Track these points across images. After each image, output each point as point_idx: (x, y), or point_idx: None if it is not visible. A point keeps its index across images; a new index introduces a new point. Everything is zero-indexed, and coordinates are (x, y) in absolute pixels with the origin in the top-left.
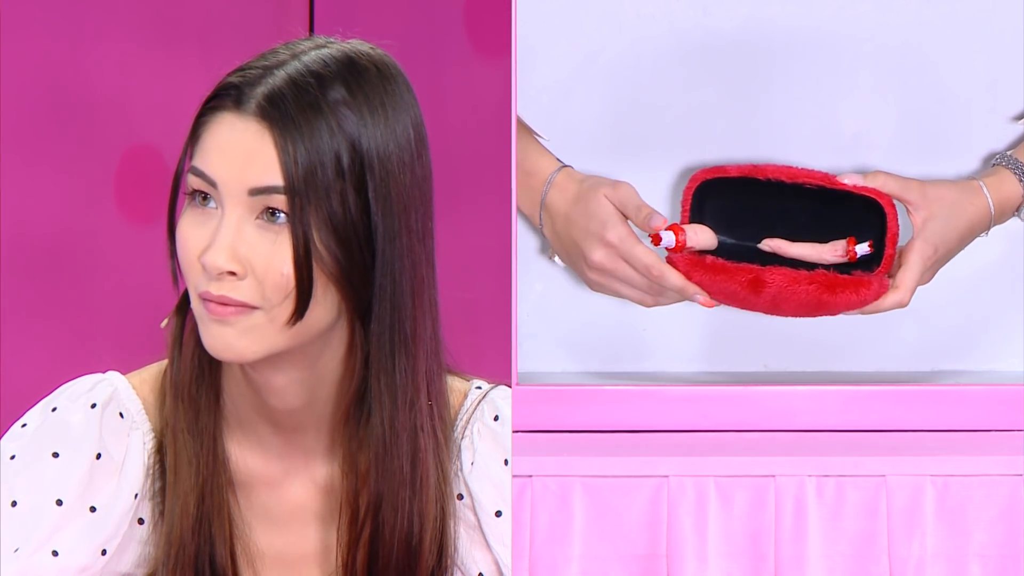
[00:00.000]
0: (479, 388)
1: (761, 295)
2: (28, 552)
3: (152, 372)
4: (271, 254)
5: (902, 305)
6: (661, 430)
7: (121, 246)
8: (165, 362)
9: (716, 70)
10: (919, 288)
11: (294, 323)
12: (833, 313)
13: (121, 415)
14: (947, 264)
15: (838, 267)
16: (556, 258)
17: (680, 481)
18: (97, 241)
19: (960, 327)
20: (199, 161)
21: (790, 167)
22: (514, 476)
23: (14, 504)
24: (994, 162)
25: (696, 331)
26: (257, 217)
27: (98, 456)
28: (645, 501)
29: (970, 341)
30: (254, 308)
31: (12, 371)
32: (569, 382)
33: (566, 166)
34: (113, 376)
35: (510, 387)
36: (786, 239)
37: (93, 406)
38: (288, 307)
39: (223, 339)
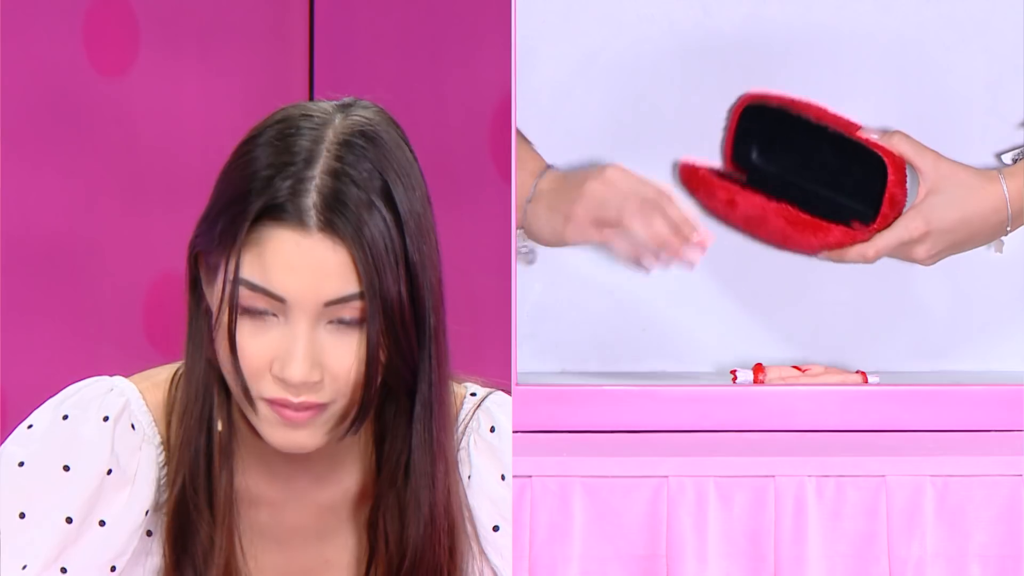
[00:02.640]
0: (474, 395)
1: (734, 213)
2: (36, 570)
3: (161, 379)
4: (345, 355)
5: (865, 259)
6: (661, 430)
7: (121, 246)
8: (171, 367)
9: (716, 70)
10: (927, 283)
11: (362, 420)
12: (803, 251)
13: (133, 427)
14: (949, 258)
15: (827, 212)
16: (529, 243)
17: (680, 481)
18: (97, 241)
19: (960, 327)
20: (259, 277)
21: (821, 108)
22: (514, 476)
23: (22, 516)
24: (1016, 157)
25: (696, 331)
26: (328, 323)
27: (109, 472)
28: (645, 501)
29: (970, 341)
30: (328, 405)
31: (12, 371)
32: (569, 382)
33: (542, 175)
34: (122, 383)
35: (505, 392)
36: (805, 174)
37: (106, 419)
38: (354, 399)
39: (295, 440)
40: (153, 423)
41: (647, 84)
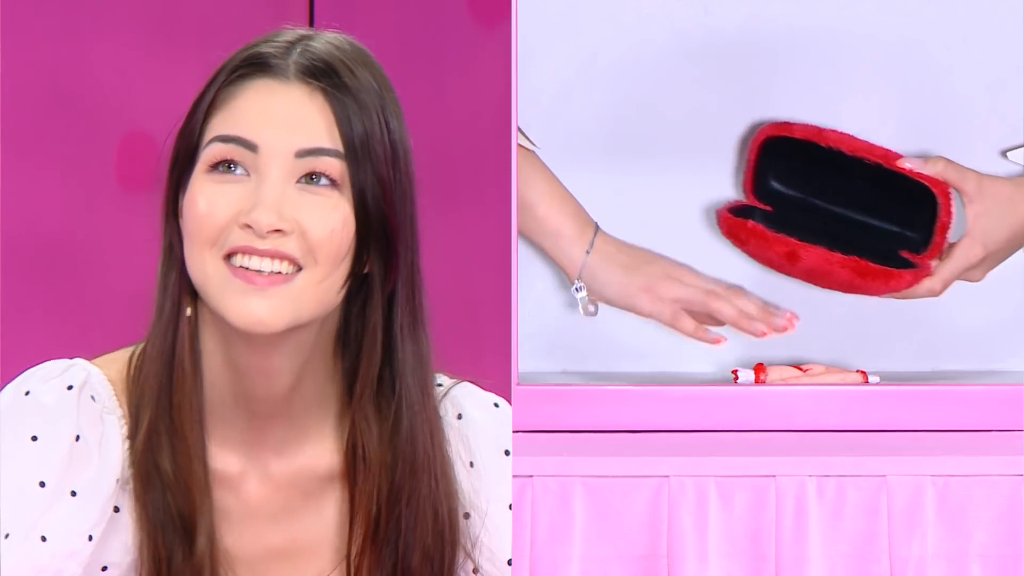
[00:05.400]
0: (440, 385)
1: (796, 267)
2: (20, 538)
3: (119, 356)
4: (318, 216)
5: (933, 294)
6: (661, 430)
7: (121, 246)
8: (129, 348)
9: (717, 70)
10: (972, 285)
11: (348, 286)
12: (867, 295)
13: (93, 398)
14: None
15: (880, 248)
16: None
17: (680, 481)
18: (97, 241)
19: (960, 327)
20: (231, 128)
21: (853, 138)
22: (514, 476)
23: None
24: None
25: None
26: (297, 181)
27: (77, 438)
28: (645, 501)
29: (970, 341)
30: (297, 271)
31: (12, 371)
32: (569, 382)
33: (598, 234)
34: (81, 361)
35: (474, 384)
36: (845, 207)
37: (69, 388)
38: (325, 269)
39: (255, 311)
40: (113, 396)
41: (648, 84)
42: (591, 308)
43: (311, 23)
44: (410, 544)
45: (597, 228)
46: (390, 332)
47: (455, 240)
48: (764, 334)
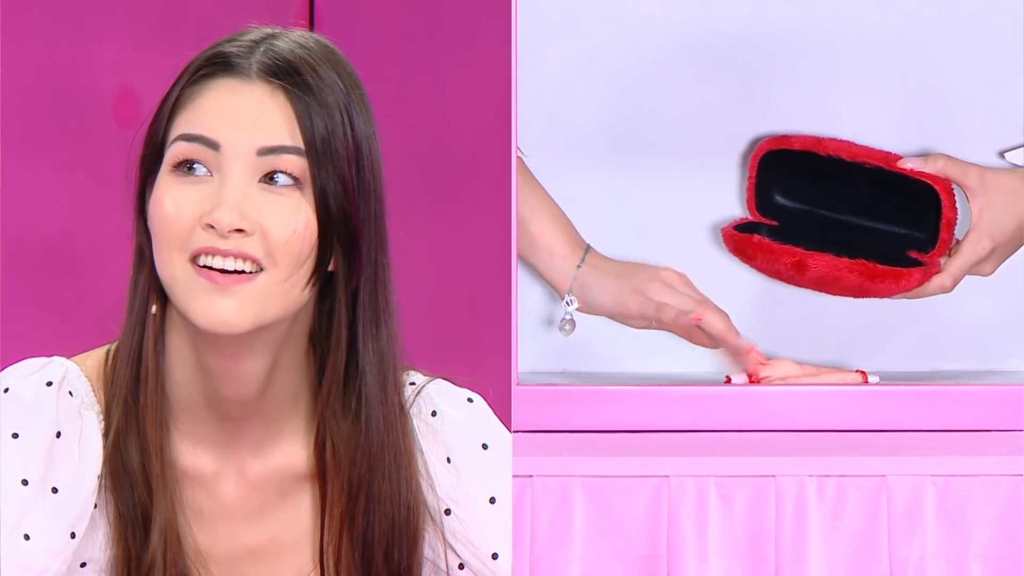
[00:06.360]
0: (413, 384)
1: (805, 276)
2: (3, 537)
3: (93, 354)
4: (277, 215)
5: (944, 291)
6: (661, 430)
7: (121, 246)
8: (108, 346)
9: (717, 70)
10: (971, 285)
11: (314, 284)
12: (877, 297)
13: (71, 394)
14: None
15: (887, 250)
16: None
17: (680, 481)
18: (97, 241)
19: (960, 327)
20: (194, 127)
21: (851, 144)
22: (514, 476)
23: None
24: None
25: None
26: (259, 180)
27: (57, 435)
28: (645, 501)
29: (969, 340)
30: (259, 271)
31: None
32: (569, 382)
33: (589, 250)
34: (59, 358)
35: (448, 380)
36: (849, 213)
37: (48, 384)
38: (287, 270)
39: (220, 311)
40: (91, 392)
41: (647, 84)
42: (566, 328)
43: (311, 23)
44: (372, 536)
45: (588, 247)
46: (354, 330)
47: (455, 240)
48: (745, 352)
